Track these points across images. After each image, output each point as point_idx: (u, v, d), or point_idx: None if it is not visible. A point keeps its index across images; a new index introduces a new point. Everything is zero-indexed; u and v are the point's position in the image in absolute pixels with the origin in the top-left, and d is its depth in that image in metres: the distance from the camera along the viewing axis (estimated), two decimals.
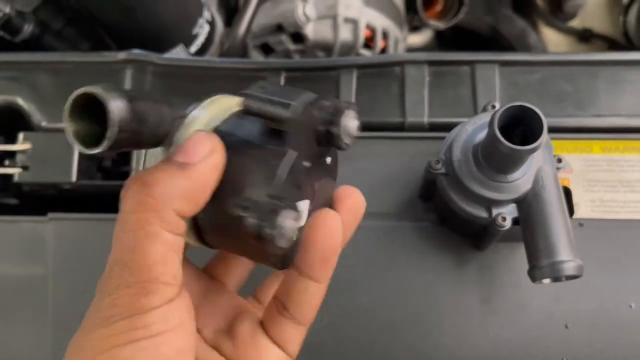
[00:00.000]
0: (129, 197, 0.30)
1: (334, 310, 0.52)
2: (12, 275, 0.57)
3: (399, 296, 0.53)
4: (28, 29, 0.68)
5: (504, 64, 0.59)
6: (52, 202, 0.63)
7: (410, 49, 0.97)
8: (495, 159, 0.44)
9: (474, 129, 0.47)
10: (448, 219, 0.53)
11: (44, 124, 0.61)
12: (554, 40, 0.98)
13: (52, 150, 0.60)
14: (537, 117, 0.41)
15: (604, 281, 0.52)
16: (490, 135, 0.42)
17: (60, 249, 0.57)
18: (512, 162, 0.44)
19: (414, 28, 0.95)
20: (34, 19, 0.69)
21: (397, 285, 0.53)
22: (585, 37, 0.96)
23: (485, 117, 0.48)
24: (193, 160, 0.30)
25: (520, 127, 0.43)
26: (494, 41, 0.98)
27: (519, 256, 0.52)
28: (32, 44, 0.69)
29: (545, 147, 0.46)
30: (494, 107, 0.49)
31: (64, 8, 0.71)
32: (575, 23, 0.96)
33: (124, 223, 0.30)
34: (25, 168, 0.59)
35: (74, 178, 0.59)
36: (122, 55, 0.61)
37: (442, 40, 1.03)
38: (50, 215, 0.58)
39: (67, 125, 0.28)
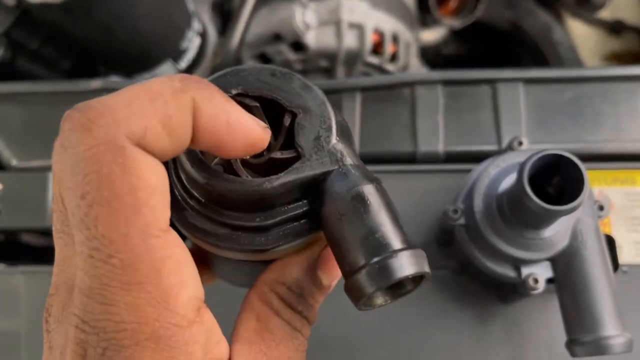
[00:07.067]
0: None
1: None
2: None
3: (415, 358, 0.46)
4: None
5: (529, 81, 0.51)
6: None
7: (424, 47, 0.89)
8: (524, 214, 0.37)
9: (498, 172, 0.40)
10: (469, 269, 0.46)
11: (14, 162, 0.55)
12: (581, 34, 0.89)
13: (25, 191, 0.54)
14: (575, 169, 0.33)
15: None
16: (519, 189, 0.34)
17: (33, 302, 0.51)
18: (544, 219, 0.36)
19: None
20: (5, 41, 0.62)
21: (412, 346, 0.46)
22: (616, 29, 0.88)
23: (510, 158, 0.40)
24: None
25: (556, 176, 0.36)
26: (515, 36, 0.90)
27: (553, 309, 0.45)
28: (3, 70, 0.63)
29: None
30: (520, 143, 0.42)
31: (40, 26, 0.65)
32: (605, 14, 0.88)
33: None
34: None
35: (49, 222, 0.53)
36: (97, 83, 0.54)
37: (458, 35, 0.95)
38: (22, 268, 0.52)
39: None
